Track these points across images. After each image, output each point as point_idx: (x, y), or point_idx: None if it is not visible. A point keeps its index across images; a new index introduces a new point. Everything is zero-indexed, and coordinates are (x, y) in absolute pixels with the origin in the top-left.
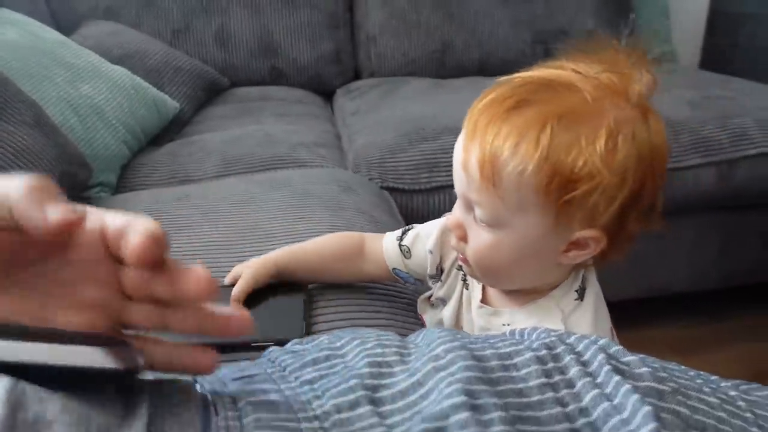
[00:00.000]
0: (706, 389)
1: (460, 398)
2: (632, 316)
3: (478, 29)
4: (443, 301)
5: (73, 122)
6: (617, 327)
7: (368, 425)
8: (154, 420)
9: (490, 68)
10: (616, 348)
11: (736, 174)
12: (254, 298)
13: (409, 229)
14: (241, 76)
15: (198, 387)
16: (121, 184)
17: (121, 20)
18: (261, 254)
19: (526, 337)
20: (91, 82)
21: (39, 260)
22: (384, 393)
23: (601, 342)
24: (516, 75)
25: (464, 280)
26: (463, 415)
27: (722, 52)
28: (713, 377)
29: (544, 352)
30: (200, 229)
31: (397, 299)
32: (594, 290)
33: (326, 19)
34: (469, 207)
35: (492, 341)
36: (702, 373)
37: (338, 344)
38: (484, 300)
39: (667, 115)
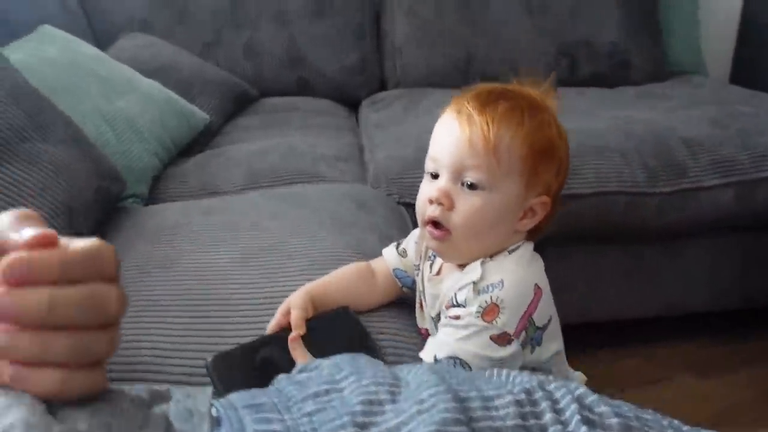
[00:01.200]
0: None
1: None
2: (649, 334)
3: (502, 41)
4: (422, 293)
5: (108, 136)
6: (634, 343)
7: None
8: None
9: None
10: (592, 398)
11: (756, 196)
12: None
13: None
14: (269, 87)
15: (213, 410)
16: (152, 195)
17: (154, 32)
18: (279, 273)
19: (511, 379)
20: (126, 97)
21: None
22: (372, 430)
23: (579, 392)
24: (476, 87)
25: (431, 266)
26: None
27: (754, 64)
28: (685, 428)
29: (522, 396)
30: (223, 246)
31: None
32: (528, 251)
33: (352, 30)
34: (458, 177)
35: (477, 383)
36: (675, 422)
37: (338, 377)
38: (438, 274)
39: (688, 133)
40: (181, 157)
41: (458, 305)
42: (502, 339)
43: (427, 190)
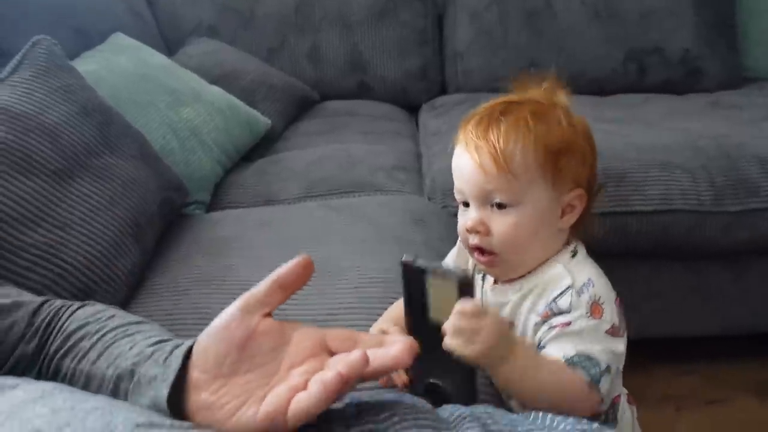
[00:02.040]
0: None
1: None
2: (712, 353)
3: (567, 47)
4: None
5: (173, 145)
6: (692, 362)
7: None
8: None
9: (580, 87)
10: None
11: None
12: None
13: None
14: (330, 91)
15: None
16: (213, 202)
17: (221, 37)
18: (331, 290)
19: (555, 425)
20: (191, 106)
21: (270, 349)
22: None
23: None
24: (479, 107)
25: (483, 278)
26: None
27: None
28: None
29: None
30: (277, 260)
31: None
32: (584, 253)
33: (414, 36)
34: (485, 202)
35: (520, 430)
36: None
37: (380, 417)
38: (496, 282)
39: (761, 150)
40: (242, 163)
41: (561, 312)
42: (615, 332)
43: (463, 220)
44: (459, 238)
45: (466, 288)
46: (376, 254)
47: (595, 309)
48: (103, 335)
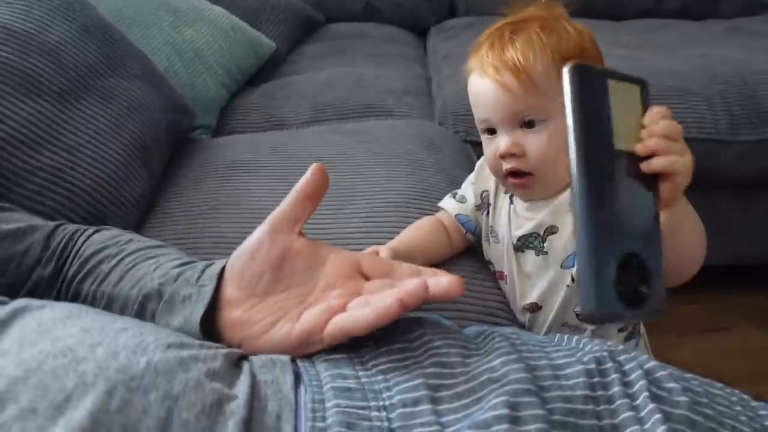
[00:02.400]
0: (743, 417)
1: (504, 411)
2: (713, 282)
3: None
4: (492, 231)
5: (177, 67)
6: (694, 290)
7: (426, 422)
8: (258, 389)
9: (596, 11)
10: (662, 373)
11: None
12: None
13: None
14: (335, 13)
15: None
16: (219, 127)
17: None
18: (343, 214)
19: (582, 346)
20: (194, 26)
21: (304, 269)
22: (443, 393)
23: (649, 365)
24: (483, 33)
25: (511, 200)
26: (503, 427)
27: None
28: (755, 403)
29: (592, 366)
30: (289, 184)
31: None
32: None
33: None
34: (513, 123)
35: (548, 350)
36: (745, 397)
37: (411, 336)
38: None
39: None
40: (248, 87)
41: None
42: None
43: (493, 148)
44: (477, 166)
45: (648, 97)
46: (389, 179)
47: None
48: (123, 258)
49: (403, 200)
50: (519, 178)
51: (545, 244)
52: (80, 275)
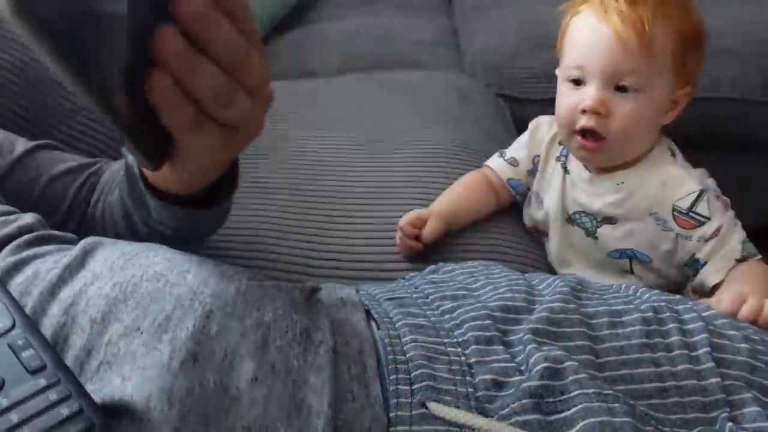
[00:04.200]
0: None
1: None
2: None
3: None
4: (537, 196)
5: None
6: None
7: (502, 359)
8: (336, 324)
9: None
10: (721, 320)
11: None
12: None
13: (504, 151)
14: None
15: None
16: None
17: None
18: (387, 163)
19: (639, 295)
20: None
21: None
22: (512, 338)
23: (707, 314)
24: None
25: (564, 168)
26: (575, 363)
27: None
28: None
29: (650, 314)
30: (328, 131)
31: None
32: (678, 151)
33: None
34: (610, 82)
35: (606, 297)
36: None
37: (473, 286)
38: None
39: None
40: (274, 34)
41: (704, 219)
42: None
43: (575, 99)
44: (530, 127)
45: None
46: (426, 129)
47: (724, 202)
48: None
49: (443, 151)
50: (590, 140)
51: (599, 230)
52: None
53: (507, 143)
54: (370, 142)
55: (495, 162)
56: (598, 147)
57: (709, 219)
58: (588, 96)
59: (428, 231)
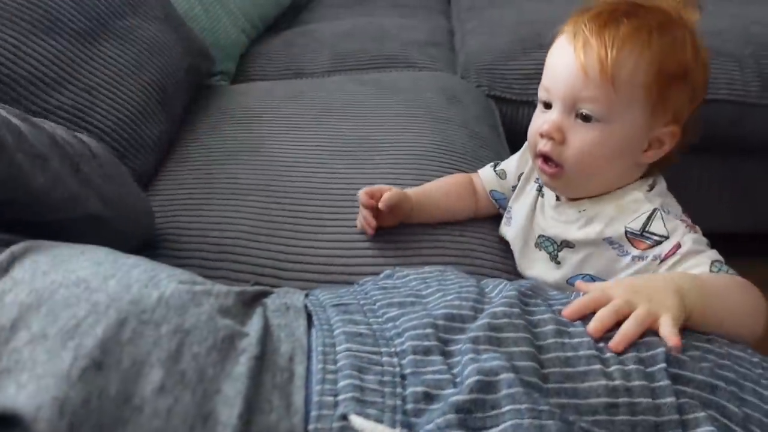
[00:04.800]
0: (765, 381)
1: (506, 363)
2: (741, 250)
3: None
4: (508, 213)
5: (197, 11)
6: (731, 259)
7: (437, 371)
8: (271, 330)
9: None
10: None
11: None
12: None
13: (500, 162)
14: None
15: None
16: (238, 73)
17: None
18: (365, 166)
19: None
20: None
21: None
22: (453, 347)
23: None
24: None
25: (539, 190)
26: (512, 375)
27: None
28: None
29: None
30: (308, 132)
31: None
32: (663, 187)
33: None
34: (572, 108)
35: (555, 306)
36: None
37: (424, 293)
38: (558, 199)
39: None
40: (267, 34)
41: (661, 238)
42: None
43: (539, 122)
44: (525, 143)
45: None
46: (411, 131)
47: (689, 225)
48: None
49: (425, 153)
50: (549, 166)
51: (560, 254)
52: None
53: (492, 146)
54: (351, 145)
55: (485, 170)
56: (556, 173)
57: (666, 237)
58: (547, 120)
59: (387, 195)
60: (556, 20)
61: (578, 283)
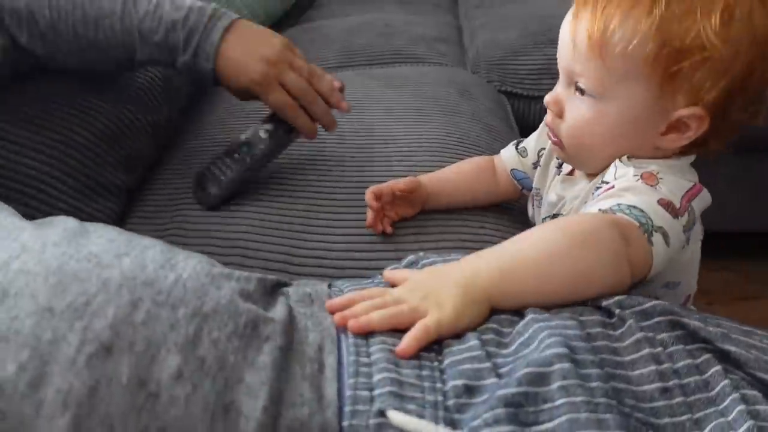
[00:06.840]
0: None
1: (563, 349)
2: (750, 250)
3: None
4: (537, 194)
5: None
6: (726, 257)
7: (477, 356)
8: (298, 319)
9: None
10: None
11: None
12: None
13: (522, 140)
14: None
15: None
16: None
17: None
18: (376, 157)
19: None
20: None
21: None
22: (489, 336)
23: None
24: None
25: (558, 167)
26: (566, 365)
27: None
28: None
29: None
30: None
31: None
32: (686, 163)
33: None
34: (571, 81)
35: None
36: None
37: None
38: (571, 173)
39: None
40: (273, 29)
41: (604, 183)
42: (671, 210)
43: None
44: (544, 120)
45: None
46: (423, 123)
47: (648, 177)
48: None
49: (439, 145)
50: (553, 136)
51: None
52: None
53: (507, 139)
54: (360, 136)
55: (507, 149)
56: (557, 145)
57: (607, 184)
58: (552, 92)
59: (403, 181)
60: (566, 14)
61: (385, 272)
